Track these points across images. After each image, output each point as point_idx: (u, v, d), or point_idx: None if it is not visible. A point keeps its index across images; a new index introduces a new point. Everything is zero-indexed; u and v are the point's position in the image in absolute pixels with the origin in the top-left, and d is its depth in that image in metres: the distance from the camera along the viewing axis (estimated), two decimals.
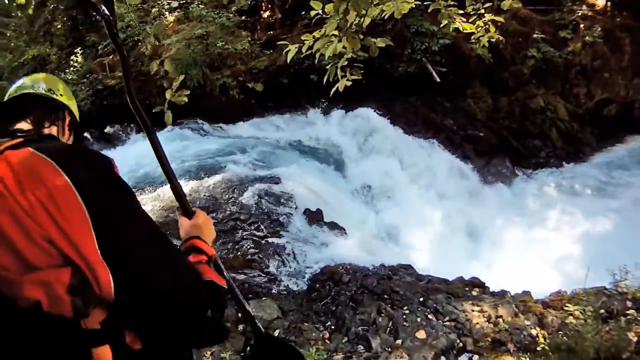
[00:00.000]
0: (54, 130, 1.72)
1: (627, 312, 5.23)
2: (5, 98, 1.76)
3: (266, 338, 1.94)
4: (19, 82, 1.82)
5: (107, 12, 1.80)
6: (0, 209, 1.16)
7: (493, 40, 4.85)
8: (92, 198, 1.20)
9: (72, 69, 15.70)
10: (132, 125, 14.02)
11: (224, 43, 14.07)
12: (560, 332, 5.20)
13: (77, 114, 1.93)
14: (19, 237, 1.14)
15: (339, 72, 3.80)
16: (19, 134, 1.44)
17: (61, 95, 1.82)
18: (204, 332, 1.39)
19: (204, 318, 1.36)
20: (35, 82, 1.81)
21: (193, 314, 1.32)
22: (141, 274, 1.22)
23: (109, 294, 1.17)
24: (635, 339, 4.79)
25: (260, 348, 1.90)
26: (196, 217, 1.83)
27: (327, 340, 6.23)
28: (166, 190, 9.79)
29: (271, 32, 15.22)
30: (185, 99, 2.10)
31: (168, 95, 2.27)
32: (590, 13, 14.97)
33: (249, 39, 14.64)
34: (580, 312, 5.31)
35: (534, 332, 5.45)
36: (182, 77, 2.08)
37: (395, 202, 11.32)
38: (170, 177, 1.85)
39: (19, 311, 1.13)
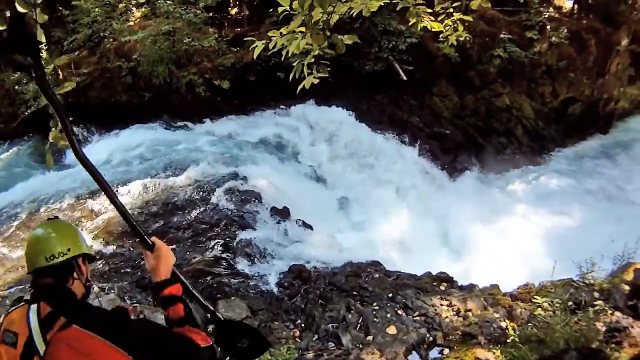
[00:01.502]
0: (75, 284, 2.15)
1: (595, 302, 5.30)
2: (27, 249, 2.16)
3: (226, 322, 2.37)
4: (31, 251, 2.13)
5: (32, 64, 1.78)
6: None
7: (461, 39, 4.86)
8: (115, 338, 1.82)
9: None
10: (93, 126, 13.72)
11: (190, 40, 13.85)
12: (530, 324, 5.26)
13: (82, 247, 2.22)
14: None
15: (305, 69, 3.77)
16: (49, 297, 1.95)
17: (68, 250, 2.13)
18: None
19: None
20: (47, 252, 2.08)
21: None
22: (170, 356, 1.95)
23: None
24: (603, 329, 4.87)
25: (221, 331, 2.31)
26: (157, 250, 2.20)
27: (297, 339, 6.20)
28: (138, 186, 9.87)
29: (238, 29, 15.05)
30: (66, 143, 2.10)
31: (51, 136, 2.29)
32: (557, 15, 15.21)
33: (216, 35, 14.46)
34: (549, 304, 5.39)
35: (503, 324, 5.51)
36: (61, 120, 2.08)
37: (362, 199, 11.35)
38: (130, 221, 2.14)
39: None
